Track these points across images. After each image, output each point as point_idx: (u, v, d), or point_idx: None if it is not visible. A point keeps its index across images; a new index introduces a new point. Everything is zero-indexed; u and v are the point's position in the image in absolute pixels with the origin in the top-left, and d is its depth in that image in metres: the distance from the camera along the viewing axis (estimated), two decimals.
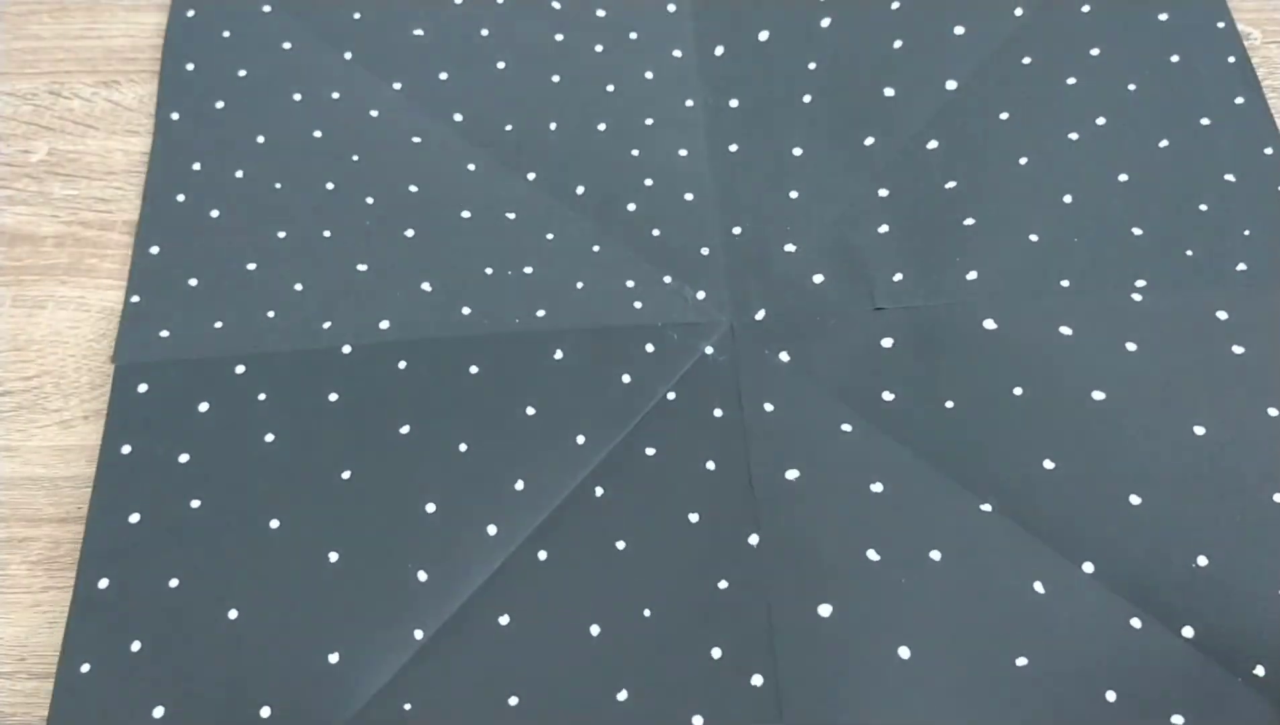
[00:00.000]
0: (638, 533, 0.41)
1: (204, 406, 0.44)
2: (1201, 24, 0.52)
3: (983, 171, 0.48)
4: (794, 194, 0.49)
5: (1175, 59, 0.51)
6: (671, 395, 0.44)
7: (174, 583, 0.40)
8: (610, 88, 0.51)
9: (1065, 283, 0.46)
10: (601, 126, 0.50)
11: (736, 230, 0.48)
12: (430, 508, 0.42)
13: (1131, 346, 0.44)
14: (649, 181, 0.49)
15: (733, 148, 0.50)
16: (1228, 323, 0.44)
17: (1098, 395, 0.43)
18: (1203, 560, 0.40)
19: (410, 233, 0.48)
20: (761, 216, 0.48)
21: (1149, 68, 0.51)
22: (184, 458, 0.43)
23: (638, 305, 0.46)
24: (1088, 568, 0.40)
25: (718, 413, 0.43)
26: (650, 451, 0.43)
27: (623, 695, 0.38)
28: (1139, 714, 0.37)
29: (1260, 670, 0.38)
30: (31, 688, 0.40)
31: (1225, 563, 0.40)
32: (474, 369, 0.45)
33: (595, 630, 0.39)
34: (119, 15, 0.55)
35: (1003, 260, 0.46)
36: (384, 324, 0.46)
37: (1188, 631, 0.39)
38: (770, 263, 0.47)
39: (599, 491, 0.42)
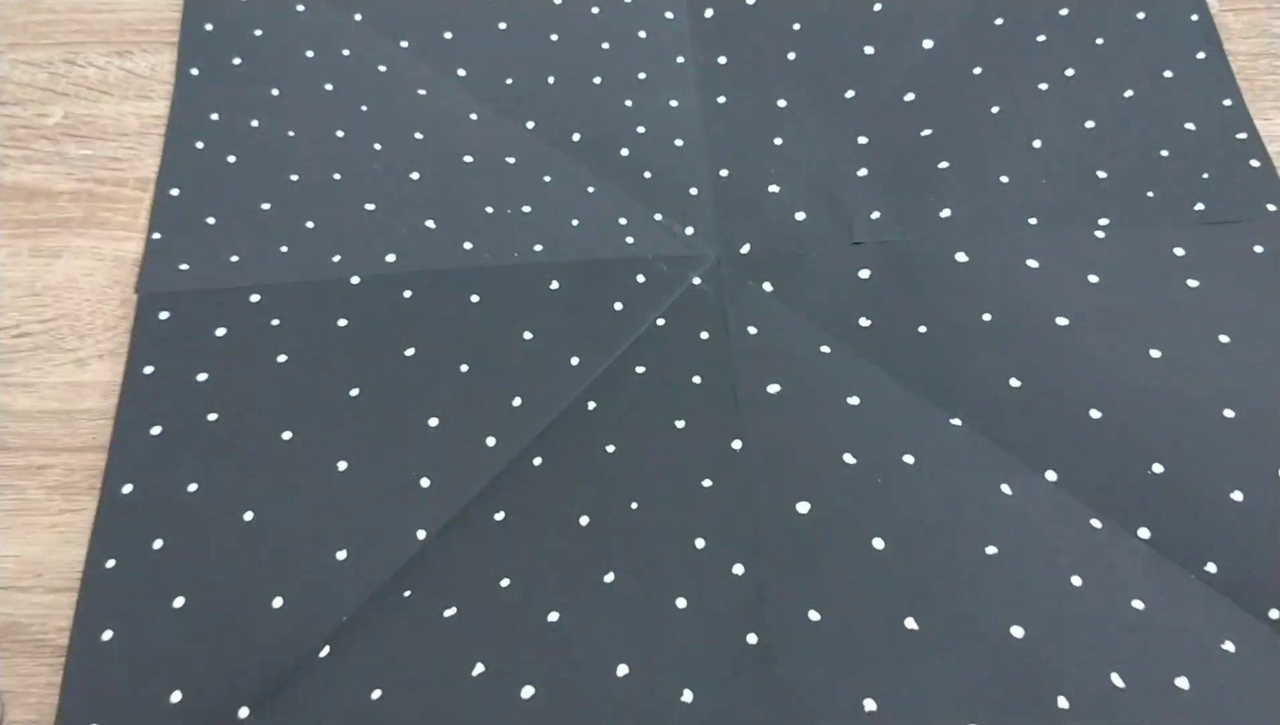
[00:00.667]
0: (627, 438, 0.43)
1: (221, 331, 0.47)
2: None
3: (956, 120, 0.51)
4: (778, 141, 0.51)
5: (1141, 15, 0.54)
6: (661, 321, 0.47)
7: (193, 487, 0.43)
8: (605, 45, 0.54)
9: (1033, 220, 0.48)
10: (597, 80, 0.53)
11: (724, 172, 0.51)
12: (433, 422, 0.44)
13: (1094, 278, 0.47)
14: (641, 129, 0.52)
15: (720, 99, 0.53)
16: (1184, 258, 0.47)
17: (1061, 321, 0.46)
18: (1158, 468, 0.42)
19: (415, 176, 0.51)
20: (747, 160, 0.51)
21: (1116, 24, 0.54)
22: (202, 377, 0.46)
23: (629, 240, 0.49)
24: (1050, 476, 0.42)
25: (704, 335, 0.46)
26: (640, 369, 0.45)
27: (609, 577, 0.40)
28: (1103, 596, 0.40)
29: (1211, 567, 0.40)
30: (49, 600, 0.42)
31: (1178, 470, 0.42)
32: (475, 298, 0.47)
33: (584, 521, 0.42)
34: None
35: (974, 199, 0.49)
36: (390, 257, 0.48)
37: (1144, 532, 0.41)
38: (755, 202, 0.50)
39: (591, 405, 0.45)
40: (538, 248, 0.49)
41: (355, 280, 0.48)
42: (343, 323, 0.47)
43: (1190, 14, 0.54)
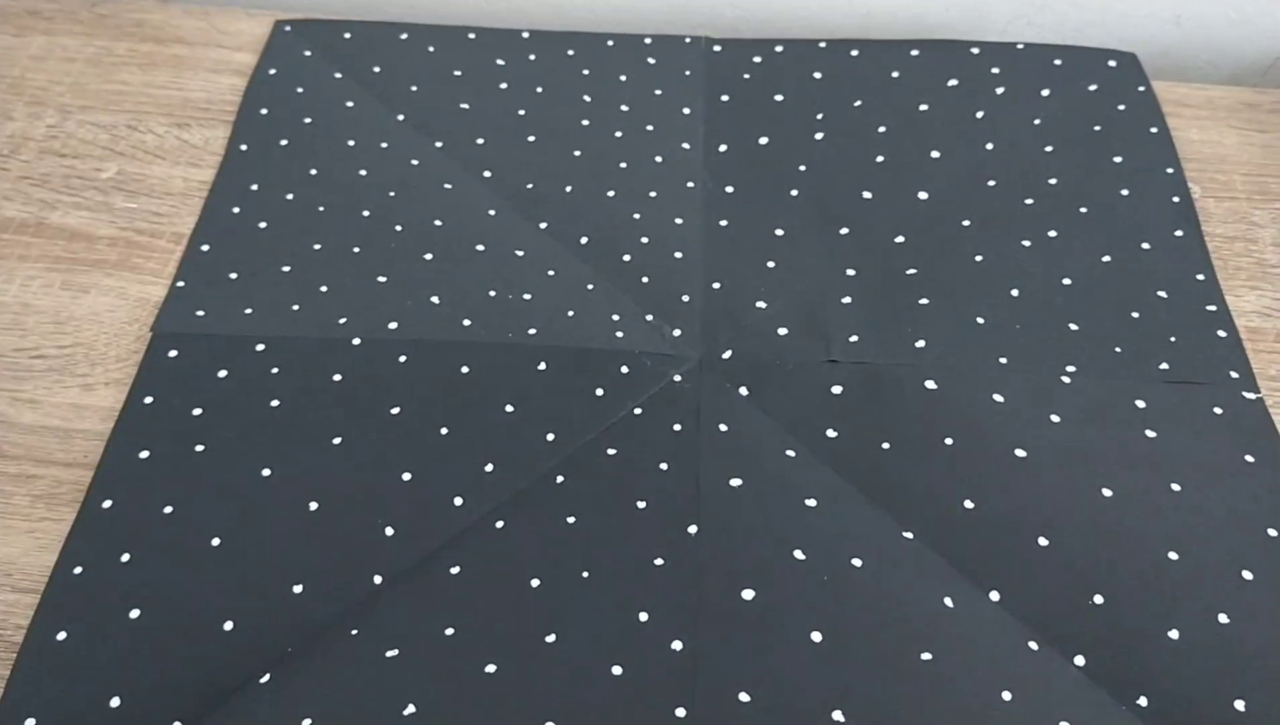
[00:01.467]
0: (588, 511, 0.45)
1: (223, 373, 0.49)
2: (1152, 167, 0.59)
3: (941, 264, 0.54)
4: (771, 263, 0.55)
5: (1125, 192, 0.57)
6: (638, 411, 0.49)
7: (168, 509, 0.45)
8: (623, 165, 0.59)
9: (1003, 360, 0.51)
10: (610, 193, 0.57)
11: (715, 285, 0.54)
12: (406, 476, 0.46)
13: (1055, 417, 0.49)
14: (645, 240, 0.55)
15: (722, 222, 0.56)
16: (1145, 410, 0.49)
17: (1019, 452, 0.47)
18: (1099, 599, 0.43)
19: (429, 256, 0.54)
20: (739, 277, 0.54)
21: (1100, 197, 0.57)
22: (197, 411, 0.48)
23: (619, 334, 0.51)
24: (994, 595, 0.43)
25: (677, 427, 0.48)
26: (611, 452, 0.47)
27: (551, 638, 0.41)
28: (1031, 715, 0.40)
29: (1143, 701, 0.40)
30: (13, 599, 0.44)
31: (1119, 603, 0.43)
32: (465, 369, 0.50)
33: (535, 583, 0.43)
34: (200, 74, 0.64)
35: (949, 336, 0.51)
36: (393, 325, 0.51)
37: (1079, 660, 0.42)
38: (742, 314, 0.53)
39: (559, 478, 0.46)
40: (531, 331, 0.51)
41: (356, 341, 0.51)
42: (337, 377, 0.49)
43: (1172, 196, 0.57)
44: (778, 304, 0.53)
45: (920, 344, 0.51)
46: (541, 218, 0.56)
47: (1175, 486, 0.46)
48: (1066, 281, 0.53)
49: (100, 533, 0.44)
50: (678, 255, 0.55)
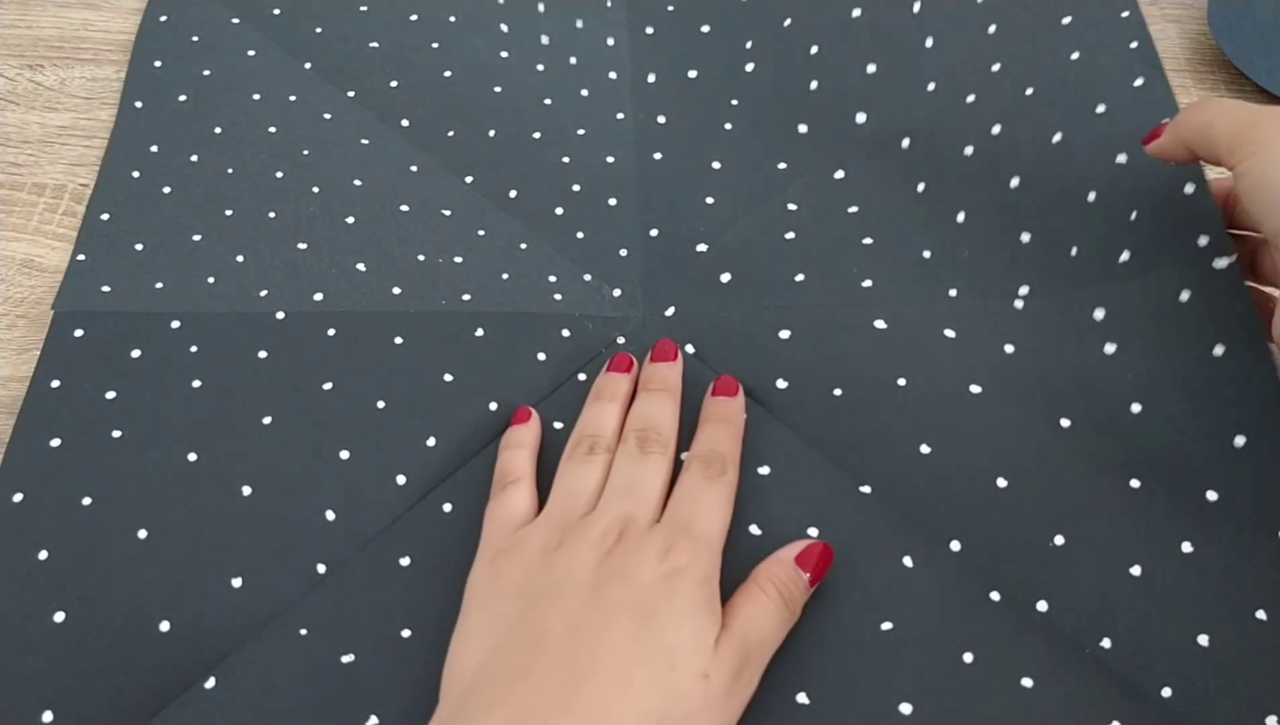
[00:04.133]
0: (539, 491, 0.43)
1: (136, 353, 0.46)
2: (1105, 19, 0.53)
3: (883, 200, 0.52)
4: (710, 200, 0.53)
5: (1075, 56, 0.52)
6: (582, 376, 0.47)
7: (87, 501, 0.42)
8: (548, 101, 0.56)
9: (953, 292, 0.49)
10: (536, 135, 0.55)
11: (654, 232, 0.52)
12: (344, 454, 0.44)
13: (1009, 348, 0.47)
14: (576, 187, 0.53)
15: (656, 155, 0.54)
16: (1103, 322, 0.45)
17: (974, 388, 0.46)
18: (1059, 540, 0.43)
19: (350, 220, 0.51)
20: (677, 218, 0.52)
21: (1048, 69, 0.52)
22: (111, 394, 0.45)
23: (557, 297, 0.49)
24: (954, 546, 0.43)
25: None
26: (558, 425, 0.46)
27: None
28: (993, 675, 0.40)
29: (1106, 643, 0.41)
30: None
31: (1080, 543, 0.42)
32: (398, 340, 0.47)
33: None
34: (49, 10, 0.60)
35: (896, 273, 0.50)
36: (318, 296, 0.49)
37: (1042, 605, 0.42)
38: (682, 263, 0.51)
39: None
40: (465, 297, 0.49)
41: (280, 315, 0.48)
42: (263, 354, 0.47)
43: (1129, 42, 0.52)
44: (718, 244, 0.51)
45: (867, 284, 0.49)
46: (467, 170, 0.53)
47: (1135, 407, 0.44)
48: (1015, 182, 0.49)
49: (12, 529, 0.41)
50: (611, 202, 0.53)
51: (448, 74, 0.56)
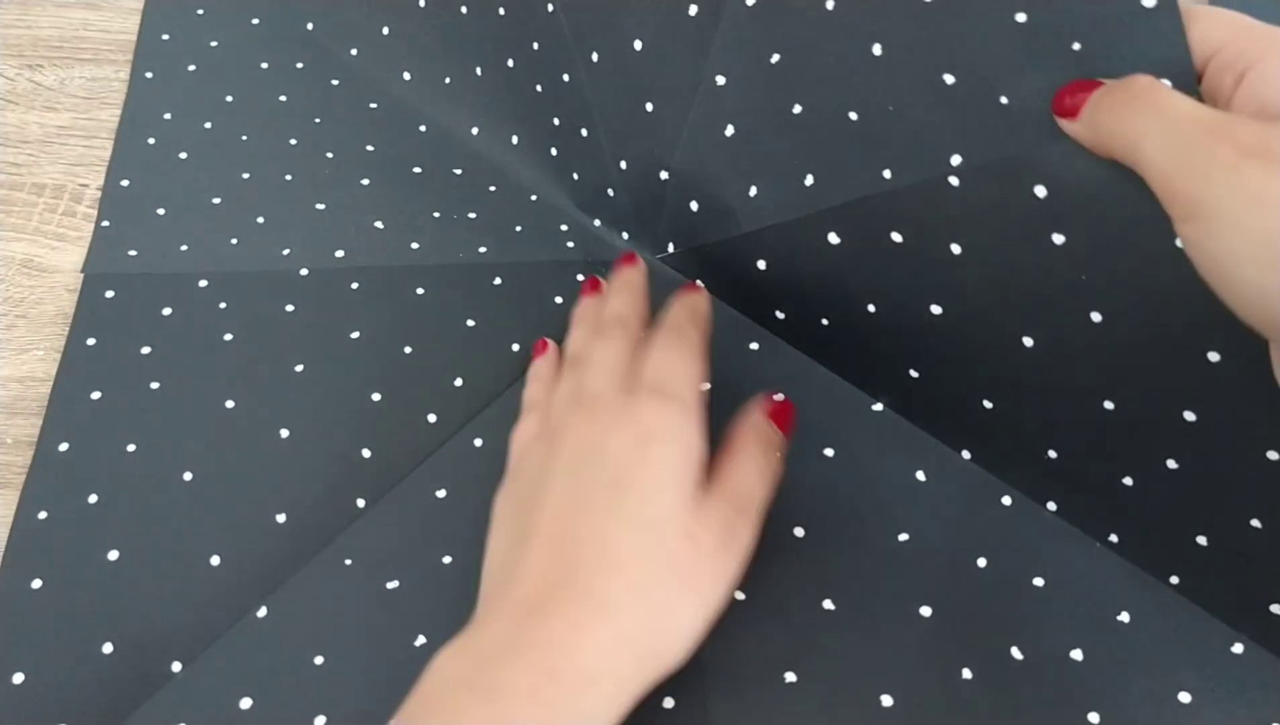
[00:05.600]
0: None
1: (167, 311, 0.48)
2: None
3: (800, 44, 0.42)
4: (649, 106, 0.48)
5: None
6: None
7: (131, 447, 0.43)
8: (508, 19, 0.53)
9: (887, 174, 0.40)
10: (510, 63, 0.53)
11: (623, 165, 0.50)
12: (375, 397, 0.46)
13: (956, 249, 0.40)
14: (556, 121, 0.52)
15: (593, 57, 0.49)
16: (1046, 202, 0.36)
17: (935, 310, 0.42)
18: (1053, 453, 0.44)
19: (366, 181, 0.53)
20: (635, 140, 0.49)
21: None
22: (146, 349, 0.46)
23: (570, 245, 0.51)
24: (965, 455, 0.45)
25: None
26: None
27: None
28: (1006, 576, 0.42)
29: (1114, 538, 0.43)
30: None
31: (1071, 456, 0.43)
32: (420, 291, 0.49)
33: None
34: (49, 10, 0.59)
35: (829, 153, 0.42)
36: (339, 253, 0.50)
37: (1051, 506, 0.44)
38: (657, 196, 0.49)
39: None
40: (482, 250, 0.51)
41: (304, 272, 0.49)
42: (290, 308, 0.48)
43: None
44: (675, 168, 0.47)
45: (809, 182, 0.44)
46: (470, 120, 0.55)
47: (1095, 316, 0.38)
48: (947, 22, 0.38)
49: (61, 476, 0.43)
50: (584, 132, 0.51)
51: (421, 4, 0.56)
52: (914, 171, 0.40)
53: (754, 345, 0.48)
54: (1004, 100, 0.36)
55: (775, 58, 0.43)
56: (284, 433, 0.44)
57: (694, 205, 0.48)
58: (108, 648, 0.39)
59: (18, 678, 0.38)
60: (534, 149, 0.54)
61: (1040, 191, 0.36)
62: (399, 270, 0.50)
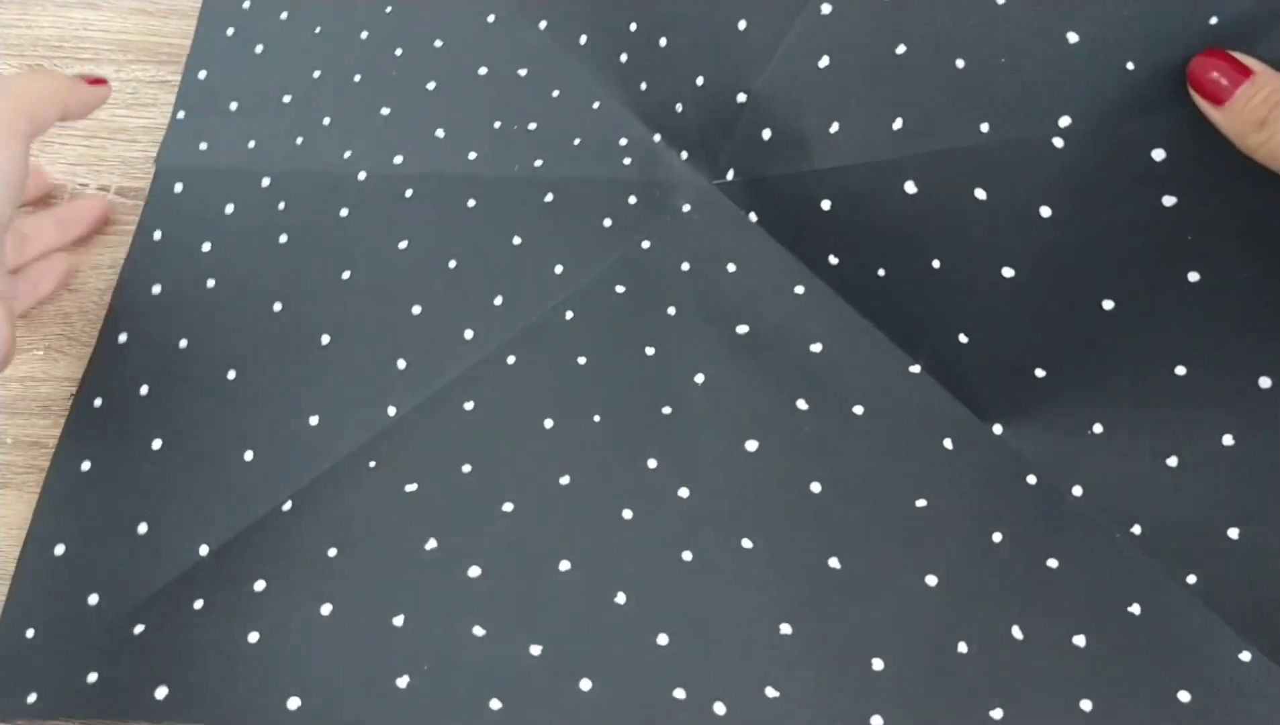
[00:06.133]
0: (598, 354, 0.45)
1: (230, 208, 0.49)
2: None
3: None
4: (742, 24, 0.47)
5: None
6: (646, 243, 0.48)
7: (183, 343, 0.46)
8: None
9: (985, 127, 0.39)
10: None
11: (700, 81, 0.49)
12: (416, 310, 0.47)
13: (1046, 212, 0.39)
14: (633, 26, 0.51)
15: None
16: (1164, 165, 0.36)
17: (1007, 272, 0.41)
18: (1098, 428, 0.43)
19: (431, 85, 0.53)
20: (718, 55, 0.48)
21: None
22: (206, 246, 0.48)
23: (626, 161, 0.50)
24: (997, 429, 0.44)
25: (685, 266, 0.48)
26: (620, 289, 0.47)
27: (565, 480, 0.42)
28: (1019, 553, 0.41)
29: (1137, 529, 0.41)
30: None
31: (1118, 430, 0.42)
32: (471, 202, 0.49)
33: (549, 423, 0.44)
34: (49, 10, 0.58)
35: (927, 99, 0.41)
36: (398, 159, 0.51)
37: (1077, 490, 0.42)
38: (729, 119, 0.48)
39: (569, 315, 0.47)
40: (538, 163, 0.50)
41: (362, 176, 0.50)
42: (344, 212, 0.49)
43: None
44: (755, 92, 0.46)
45: (897, 125, 0.42)
46: (539, 16, 0.54)
47: (1193, 276, 0.37)
48: None
49: (117, 366, 0.45)
50: (662, 42, 0.50)
51: None
52: (1015, 128, 0.38)
53: (799, 289, 0.47)
54: (1130, 66, 0.35)
55: None
56: (325, 338, 0.46)
57: (766, 133, 0.47)
58: (143, 528, 0.42)
59: (59, 549, 0.41)
60: (603, 51, 0.52)
61: (1158, 155, 0.35)
62: (454, 179, 0.50)
